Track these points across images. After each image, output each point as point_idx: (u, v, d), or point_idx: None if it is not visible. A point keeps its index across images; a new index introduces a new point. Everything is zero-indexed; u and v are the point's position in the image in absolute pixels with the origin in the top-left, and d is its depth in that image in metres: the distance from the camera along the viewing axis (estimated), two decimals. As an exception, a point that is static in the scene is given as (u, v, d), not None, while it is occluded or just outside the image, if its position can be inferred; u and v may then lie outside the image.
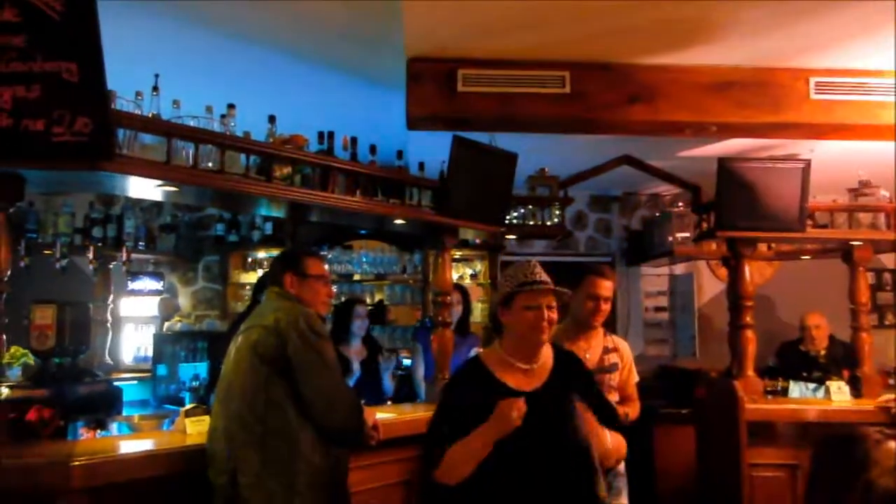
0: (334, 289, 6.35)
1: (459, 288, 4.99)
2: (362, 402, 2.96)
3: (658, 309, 7.65)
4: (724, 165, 4.31)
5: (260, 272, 6.77)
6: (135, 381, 6.12)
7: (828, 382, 4.50)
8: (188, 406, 3.21)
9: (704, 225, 4.85)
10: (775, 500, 4.10)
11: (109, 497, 2.55)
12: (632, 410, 3.60)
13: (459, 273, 7.19)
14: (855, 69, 4.22)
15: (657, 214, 7.05)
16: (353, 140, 3.91)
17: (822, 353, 5.70)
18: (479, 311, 7.07)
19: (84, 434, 3.22)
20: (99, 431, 3.28)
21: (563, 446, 2.38)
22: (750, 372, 4.40)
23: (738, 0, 3.47)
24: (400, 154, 4.25)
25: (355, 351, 4.67)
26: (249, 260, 7.26)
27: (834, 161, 5.31)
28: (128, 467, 2.62)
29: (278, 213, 4.34)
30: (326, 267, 4.17)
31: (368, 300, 7.19)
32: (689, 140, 4.92)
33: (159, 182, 3.02)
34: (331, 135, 3.80)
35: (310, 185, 3.53)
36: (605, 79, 4.21)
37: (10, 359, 4.84)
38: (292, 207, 3.83)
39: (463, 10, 3.63)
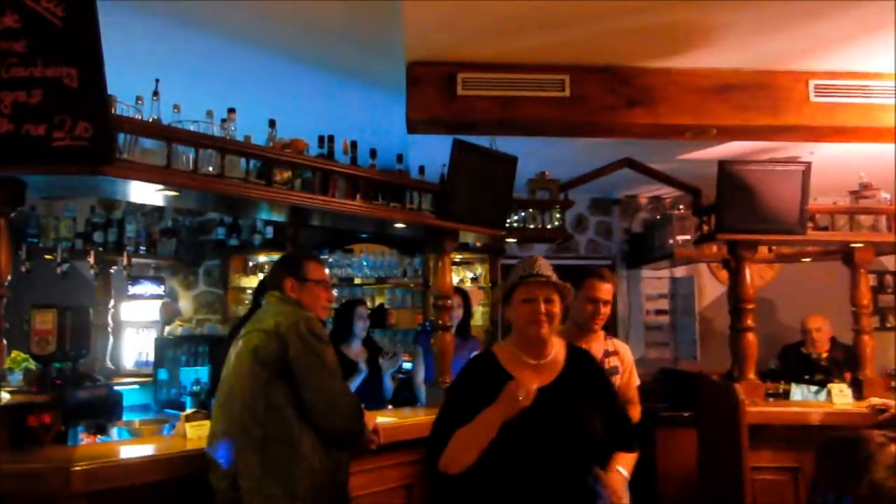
0: (335, 292, 6.39)
1: (460, 291, 5.00)
2: (363, 405, 2.96)
3: (659, 312, 7.64)
4: (725, 168, 4.31)
5: (261, 276, 6.77)
6: (136, 386, 6.12)
7: (829, 385, 4.49)
8: (189, 411, 3.21)
9: (705, 227, 4.84)
10: (778, 503, 4.09)
11: (110, 502, 2.55)
12: (633, 414, 3.59)
13: (460, 276, 7.20)
14: (855, 71, 4.22)
15: (658, 217, 7.05)
16: (354, 144, 3.91)
17: (824, 355, 5.70)
18: (479, 315, 7.08)
19: (85, 439, 3.23)
20: (99, 436, 3.29)
21: (571, 442, 2.39)
22: (751, 375, 4.40)
23: (738, 2, 3.47)
24: (400, 158, 4.26)
25: (356, 352, 4.67)
26: (250, 264, 7.26)
27: (834, 163, 5.32)
28: (128, 472, 2.62)
29: (279, 217, 4.34)
30: (327, 271, 4.17)
31: (369, 304, 7.20)
32: (690, 143, 4.92)
33: (159, 186, 3.02)
34: (331, 139, 3.80)
35: (310, 189, 3.53)
36: (604, 82, 4.21)
37: (11, 364, 4.85)
38: (293, 211, 3.83)
39: (462, 14, 3.63)
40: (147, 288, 6.81)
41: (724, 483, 4.24)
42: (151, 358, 6.44)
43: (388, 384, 4.86)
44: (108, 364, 6.17)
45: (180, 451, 2.81)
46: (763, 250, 5.65)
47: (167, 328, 6.78)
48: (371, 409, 3.22)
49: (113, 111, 2.83)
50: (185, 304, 7.35)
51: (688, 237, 6.16)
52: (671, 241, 6.30)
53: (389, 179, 3.91)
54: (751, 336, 4.42)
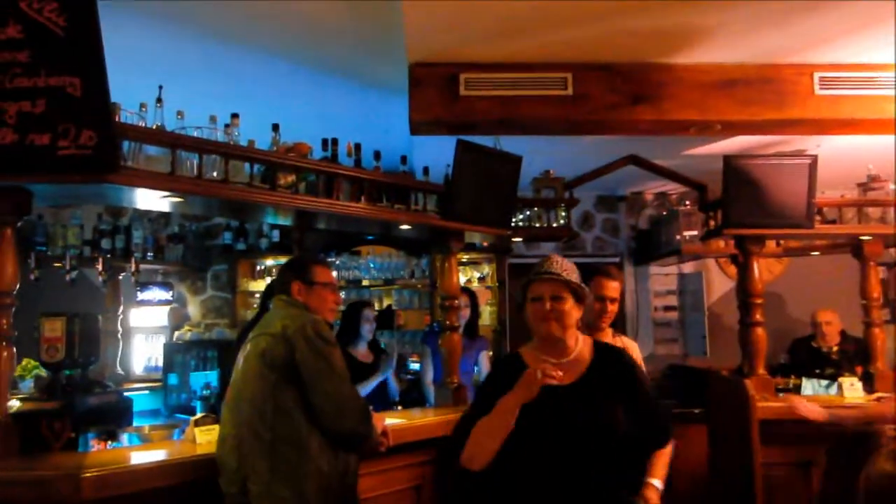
0: (343, 295, 6.40)
1: (467, 291, 4.99)
2: (371, 407, 2.96)
3: (668, 308, 7.63)
4: (731, 163, 4.29)
5: (268, 280, 6.80)
6: (146, 391, 6.16)
7: (840, 379, 4.47)
8: (198, 415, 3.22)
9: (712, 223, 4.82)
10: (789, 498, 4.07)
11: (120, 508, 2.56)
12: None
13: (467, 276, 7.21)
14: (860, 63, 4.19)
15: (664, 213, 7.04)
16: (357, 146, 3.91)
17: (835, 349, 5.68)
18: (487, 314, 7.08)
19: (95, 445, 3.24)
20: (110, 442, 3.30)
21: (598, 438, 2.38)
22: (761, 370, 4.38)
23: (740, -2, 3.47)
24: (404, 159, 4.26)
25: (363, 354, 4.68)
26: (258, 268, 7.29)
27: (842, 156, 5.29)
28: (138, 478, 2.62)
29: (284, 220, 4.35)
30: (334, 273, 4.17)
31: (377, 305, 7.22)
32: (695, 138, 4.90)
33: (164, 193, 3.03)
34: (334, 142, 3.81)
35: (314, 192, 3.53)
36: (607, 79, 4.20)
37: (22, 371, 4.89)
38: (298, 215, 3.84)
39: (463, 15, 3.63)
40: (155, 294, 6.83)
41: (734, 479, 4.22)
42: (161, 363, 6.48)
43: (393, 385, 4.87)
44: (118, 370, 6.21)
45: (190, 456, 2.81)
46: (771, 244, 5.63)
47: (176, 333, 6.81)
48: (379, 411, 3.22)
49: (117, 119, 2.85)
50: (194, 308, 7.39)
51: (695, 233, 6.14)
52: (678, 238, 6.29)
53: (393, 181, 3.91)
54: (760, 331, 4.40)
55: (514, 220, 5.05)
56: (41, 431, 2.79)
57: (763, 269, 4.64)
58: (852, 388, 4.36)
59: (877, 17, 3.65)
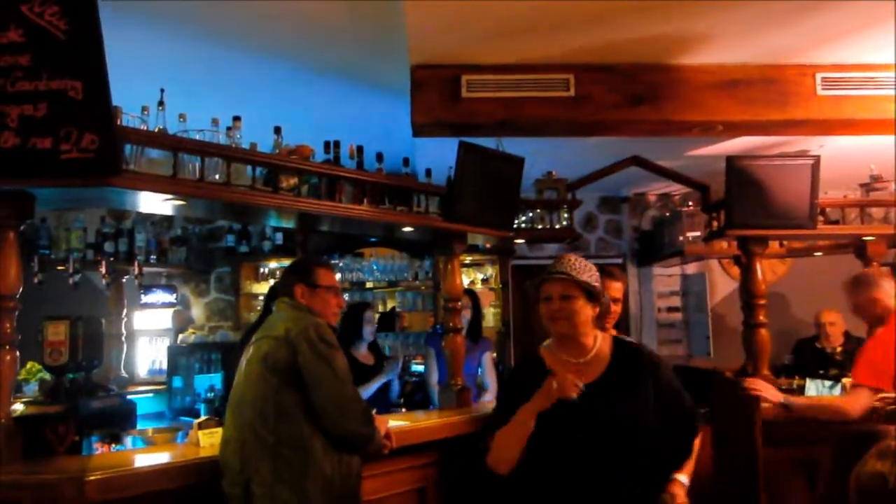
0: (346, 297, 6.40)
1: (469, 292, 4.98)
2: (374, 410, 2.96)
3: (671, 309, 7.62)
4: (733, 163, 4.28)
5: (272, 282, 6.81)
6: (150, 394, 6.17)
7: (844, 380, 4.45)
8: (201, 418, 3.23)
9: (715, 224, 4.82)
10: (793, 499, 4.06)
11: (124, 510, 2.56)
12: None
13: (471, 278, 7.21)
14: (862, 64, 4.19)
15: (667, 214, 7.04)
16: (360, 149, 3.91)
17: (838, 349, 5.67)
18: (491, 316, 7.08)
19: (99, 448, 3.25)
20: (113, 445, 3.31)
21: (621, 437, 2.38)
22: (765, 370, 4.37)
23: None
24: (406, 161, 4.26)
25: (363, 356, 4.67)
26: (261, 270, 7.30)
27: (844, 156, 5.29)
28: (142, 481, 2.62)
29: (287, 223, 4.35)
30: (338, 276, 4.17)
31: (381, 307, 7.23)
32: (697, 139, 4.90)
33: (167, 196, 3.03)
34: (337, 144, 3.80)
35: (317, 194, 3.53)
36: (609, 80, 4.20)
37: (26, 375, 4.90)
38: (300, 218, 3.84)
39: (465, 17, 3.64)
40: (159, 296, 6.85)
41: (739, 479, 4.22)
42: (165, 366, 6.49)
43: (396, 388, 4.88)
44: (122, 373, 6.22)
45: (193, 459, 2.81)
46: (774, 245, 5.63)
47: (180, 336, 6.82)
48: (380, 413, 3.22)
49: (119, 122, 2.85)
50: (198, 311, 7.40)
51: (698, 234, 6.14)
52: (681, 238, 6.28)
53: (396, 183, 3.90)
54: (763, 332, 4.40)
55: (516, 221, 5.05)
56: (45, 435, 2.79)
57: (766, 270, 4.64)
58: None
59: (877, 18, 3.64)
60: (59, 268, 5.78)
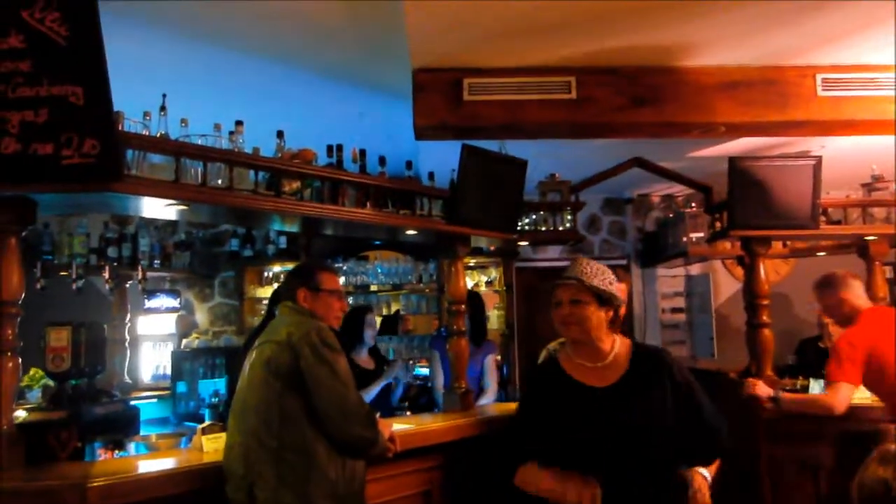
0: (351, 300, 6.40)
1: (472, 295, 4.97)
2: (378, 414, 2.96)
3: (675, 310, 7.61)
4: (736, 164, 4.29)
5: (276, 286, 6.80)
6: (155, 400, 6.16)
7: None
8: (205, 423, 3.22)
9: (718, 225, 4.82)
10: (796, 498, 4.06)
11: (126, 517, 2.56)
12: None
13: (475, 280, 7.20)
14: (862, 65, 4.19)
15: (670, 215, 7.02)
16: (362, 152, 3.91)
17: (841, 349, 5.64)
18: (495, 318, 7.07)
19: (102, 455, 3.24)
20: (117, 452, 3.30)
21: (639, 440, 2.37)
22: (769, 371, 4.37)
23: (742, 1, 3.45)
24: (409, 164, 4.26)
25: (364, 360, 4.67)
26: (265, 274, 7.30)
27: (846, 156, 5.27)
28: (145, 487, 2.62)
29: (290, 227, 4.34)
30: (342, 279, 4.17)
31: (385, 310, 7.22)
32: (699, 140, 4.89)
33: (169, 201, 3.03)
34: (339, 148, 3.80)
35: (320, 198, 3.53)
36: (611, 83, 4.20)
37: (29, 381, 4.91)
38: (303, 221, 3.84)
39: (466, 20, 3.63)
40: (163, 301, 6.85)
41: (743, 479, 4.21)
42: (169, 371, 6.48)
43: (399, 392, 4.88)
44: (126, 379, 6.22)
45: (197, 464, 2.81)
46: (777, 245, 5.62)
47: (184, 341, 6.82)
48: (382, 417, 3.21)
49: (120, 127, 2.85)
50: (201, 316, 7.40)
51: (701, 235, 6.13)
52: (684, 239, 6.27)
53: (399, 186, 3.90)
54: (767, 332, 4.40)
55: (520, 223, 5.04)
56: (47, 441, 2.79)
57: (769, 270, 4.63)
58: (860, 389, 4.33)
59: (878, 18, 3.64)
60: (63, 273, 5.78)
